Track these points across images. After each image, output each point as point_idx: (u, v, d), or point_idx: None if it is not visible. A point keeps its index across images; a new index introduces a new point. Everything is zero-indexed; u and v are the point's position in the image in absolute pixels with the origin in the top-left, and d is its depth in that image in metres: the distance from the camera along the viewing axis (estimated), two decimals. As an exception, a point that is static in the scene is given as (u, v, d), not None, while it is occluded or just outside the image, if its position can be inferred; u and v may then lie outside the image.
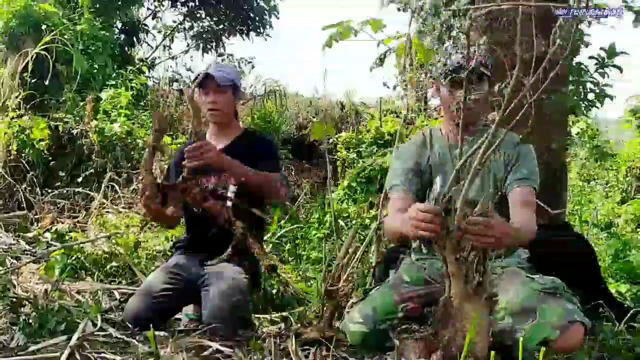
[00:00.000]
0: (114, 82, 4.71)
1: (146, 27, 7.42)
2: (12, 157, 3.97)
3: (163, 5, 7.71)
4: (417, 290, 1.63)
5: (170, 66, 7.83)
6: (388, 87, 3.66)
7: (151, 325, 1.46)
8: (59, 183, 4.06)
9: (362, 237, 2.92)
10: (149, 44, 7.63)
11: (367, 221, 3.43)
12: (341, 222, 3.62)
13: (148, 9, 7.63)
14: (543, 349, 1.12)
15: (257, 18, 7.28)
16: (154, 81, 6.76)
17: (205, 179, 1.87)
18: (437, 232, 1.25)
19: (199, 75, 1.95)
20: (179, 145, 3.95)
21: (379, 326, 1.56)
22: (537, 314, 1.36)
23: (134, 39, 6.91)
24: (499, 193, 1.62)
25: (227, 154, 1.87)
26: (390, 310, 1.58)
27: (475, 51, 1.54)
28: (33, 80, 4.36)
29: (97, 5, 5.41)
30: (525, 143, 1.64)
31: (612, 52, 2.45)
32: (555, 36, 0.99)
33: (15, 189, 3.85)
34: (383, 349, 1.54)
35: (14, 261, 2.48)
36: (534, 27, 1.03)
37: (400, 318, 1.54)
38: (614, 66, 2.54)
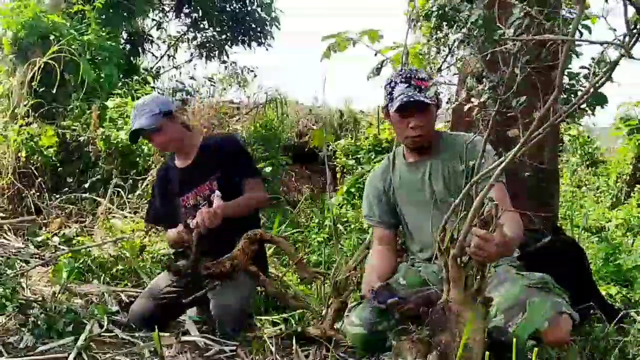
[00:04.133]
0: (120, 91, 4.79)
1: (151, 38, 7.54)
2: (21, 164, 4.04)
3: (167, 16, 7.84)
4: (413, 291, 1.66)
5: (174, 75, 7.95)
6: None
7: (156, 326, 1.51)
8: (67, 189, 4.13)
9: (360, 241, 2.97)
10: (153, 54, 7.76)
11: (365, 225, 3.47)
12: (340, 227, 3.66)
13: (153, 19, 7.75)
14: (536, 349, 1.13)
15: (258, 28, 7.39)
16: (158, 90, 6.86)
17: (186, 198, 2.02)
18: None
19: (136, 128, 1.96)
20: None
21: (376, 327, 1.60)
22: (526, 308, 1.39)
23: (139, 49, 7.03)
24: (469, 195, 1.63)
25: (193, 170, 1.99)
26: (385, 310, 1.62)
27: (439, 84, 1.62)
28: (41, 89, 4.43)
29: (104, 17, 5.53)
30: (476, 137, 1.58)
31: (601, 60, 2.51)
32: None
33: (24, 195, 3.92)
34: (383, 349, 1.58)
35: (23, 264, 2.54)
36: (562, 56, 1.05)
37: (397, 319, 1.59)
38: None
